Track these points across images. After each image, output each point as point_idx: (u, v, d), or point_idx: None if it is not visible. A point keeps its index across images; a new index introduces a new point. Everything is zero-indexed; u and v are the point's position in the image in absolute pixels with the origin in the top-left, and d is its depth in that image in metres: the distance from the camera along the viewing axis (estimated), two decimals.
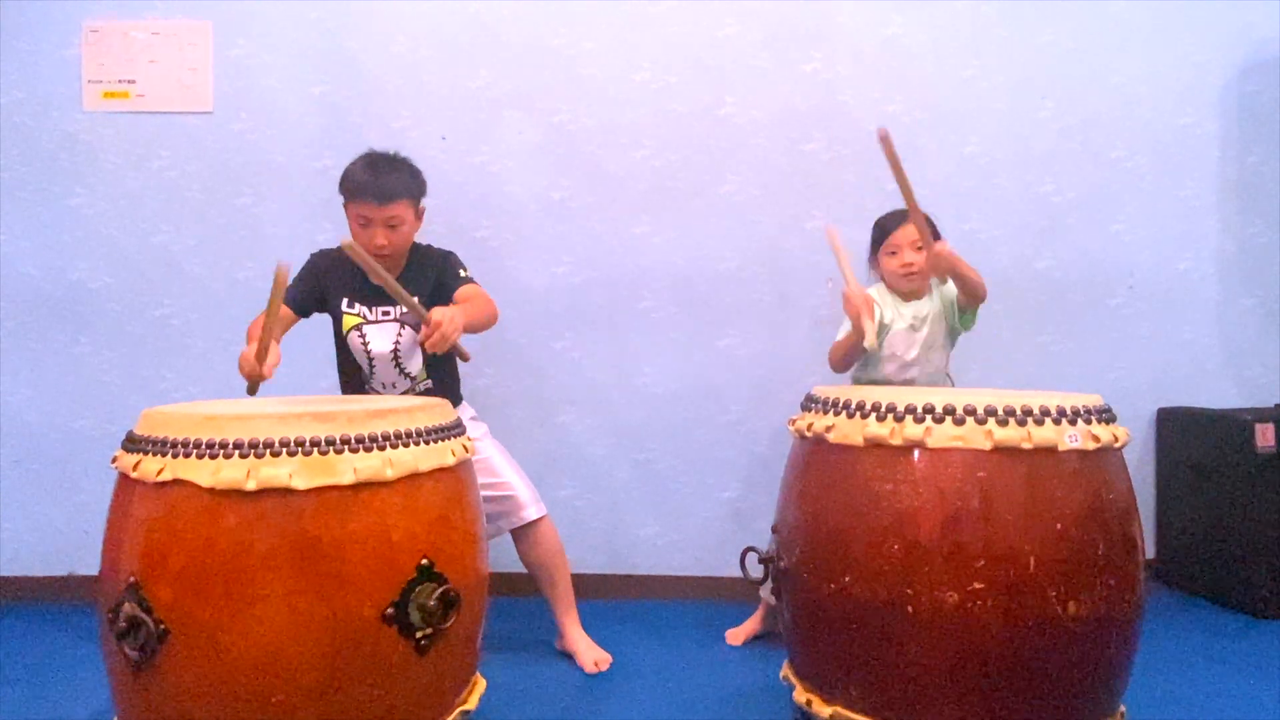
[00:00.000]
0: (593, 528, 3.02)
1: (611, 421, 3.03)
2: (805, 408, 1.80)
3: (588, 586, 2.78)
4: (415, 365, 2.37)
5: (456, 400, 2.50)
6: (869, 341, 2.25)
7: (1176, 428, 3.05)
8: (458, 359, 2.36)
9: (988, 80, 3.00)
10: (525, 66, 2.99)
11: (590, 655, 2.39)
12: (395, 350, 2.34)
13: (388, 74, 3.00)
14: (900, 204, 2.45)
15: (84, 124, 3.01)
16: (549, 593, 2.44)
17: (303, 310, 2.36)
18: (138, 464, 1.50)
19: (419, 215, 2.36)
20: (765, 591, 2.39)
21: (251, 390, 2.04)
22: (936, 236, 2.40)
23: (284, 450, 1.44)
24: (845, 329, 2.45)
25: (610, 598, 2.94)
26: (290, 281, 2.32)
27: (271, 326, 1.95)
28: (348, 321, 2.35)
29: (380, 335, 2.34)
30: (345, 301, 2.35)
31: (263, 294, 2.87)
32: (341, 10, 2.99)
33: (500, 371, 3.00)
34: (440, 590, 1.52)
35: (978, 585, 1.48)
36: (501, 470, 2.38)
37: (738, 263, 3.00)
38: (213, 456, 1.44)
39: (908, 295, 2.53)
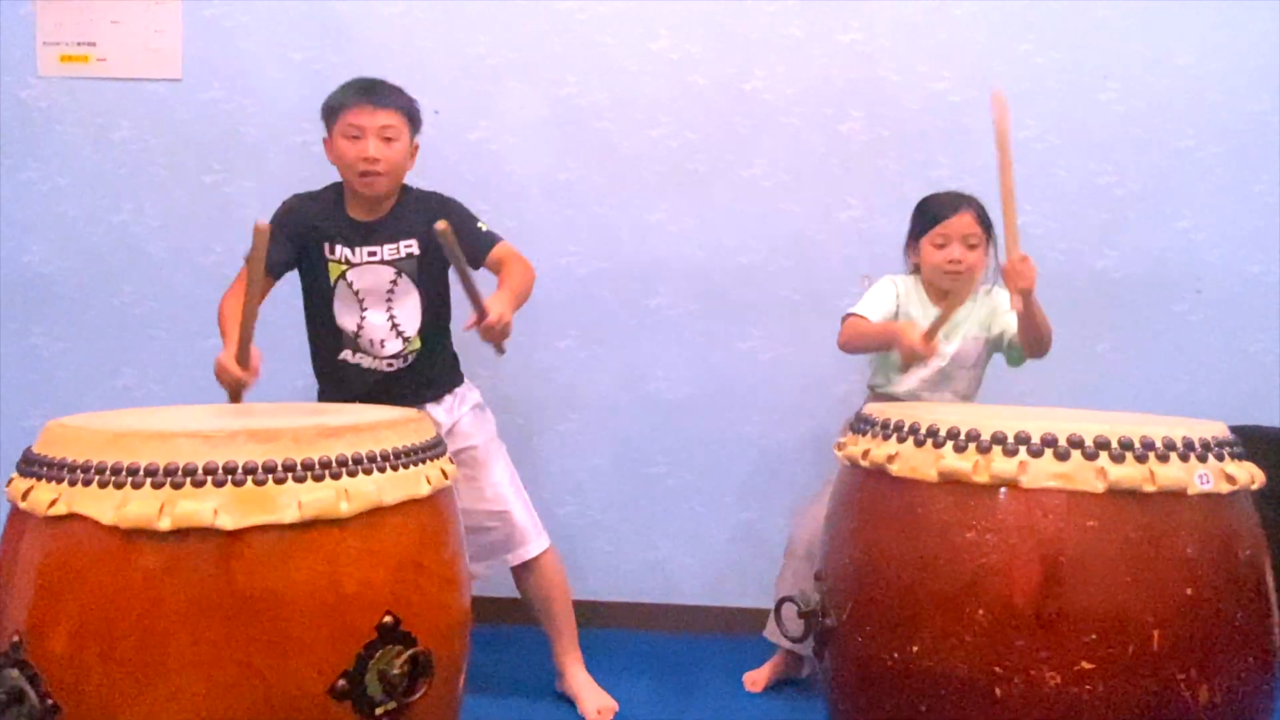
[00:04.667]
0: (595, 549, 2.82)
1: (618, 431, 2.82)
2: (858, 430, 1.50)
3: (588, 615, 2.56)
4: (410, 323, 2.10)
5: (457, 379, 2.25)
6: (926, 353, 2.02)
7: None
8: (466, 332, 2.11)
9: (1044, 57, 2.76)
10: (530, 32, 2.78)
11: (594, 702, 2.14)
12: (389, 298, 2.08)
13: (377, 39, 2.79)
14: (953, 187, 2.30)
15: (38, 91, 2.83)
16: (549, 630, 2.21)
17: (278, 270, 2.08)
18: (28, 492, 1.21)
19: (412, 151, 2.13)
20: (778, 637, 2.14)
21: (235, 398, 1.78)
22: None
23: (209, 479, 1.16)
24: (877, 308, 2.22)
25: (613, 627, 2.73)
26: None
27: (252, 309, 1.69)
28: (334, 271, 2.08)
29: (368, 280, 2.08)
30: (326, 248, 2.09)
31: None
32: None
33: (496, 373, 2.74)
34: (407, 655, 1.25)
35: (1086, 665, 1.20)
36: (504, 492, 2.14)
37: (763, 255, 2.78)
38: (118, 485, 1.16)
39: (943, 296, 2.25)
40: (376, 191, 2.04)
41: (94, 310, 2.83)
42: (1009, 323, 2.20)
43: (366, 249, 2.08)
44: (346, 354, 2.12)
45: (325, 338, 2.14)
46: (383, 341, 2.10)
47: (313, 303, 2.14)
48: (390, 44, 2.78)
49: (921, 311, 2.23)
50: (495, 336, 1.89)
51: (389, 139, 2.03)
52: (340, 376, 2.12)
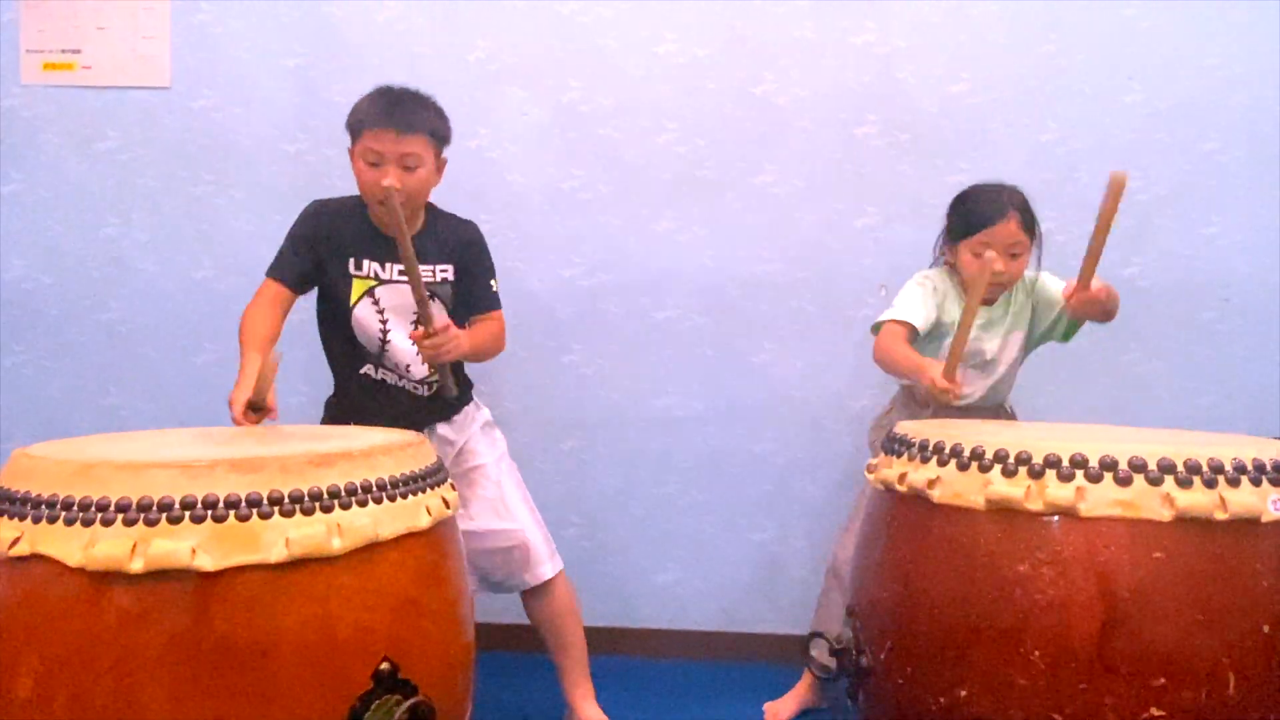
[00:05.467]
0: (603, 573, 2.74)
1: (626, 449, 2.75)
2: (892, 451, 1.39)
3: (597, 642, 2.45)
4: None
5: (466, 398, 2.15)
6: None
7: None
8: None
9: (1067, 58, 2.69)
10: (531, 36, 2.72)
11: None
12: (416, 322, 1.97)
13: (372, 44, 2.72)
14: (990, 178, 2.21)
15: (21, 99, 2.77)
16: (558, 659, 2.12)
17: (302, 285, 1.97)
18: None
19: (440, 166, 2.01)
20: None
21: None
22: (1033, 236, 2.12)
23: (186, 514, 1.06)
24: (919, 312, 2.07)
25: (622, 655, 2.66)
26: (282, 245, 1.98)
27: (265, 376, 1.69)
28: (358, 288, 1.96)
29: (397, 299, 1.97)
30: (352, 263, 1.97)
31: (225, 296, 2.64)
32: None
33: (498, 389, 2.69)
34: (406, 705, 1.15)
35: (1155, 712, 1.10)
36: (516, 513, 2.05)
37: (776, 266, 2.71)
38: (86, 523, 1.06)
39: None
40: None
41: (80, 327, 2.77)
42: (1051, 295, 2.12)
43: (397, 266, 1.96)
44: (369, 369, 2.02)
45: (344, 353, 2.03)
46: (408, 366, 1.99)
47: (330, 318, 2.03)
48: (386, 49, 2.71)
49: (957, 308, 2.12)
50: (440, 352, 1.82)
51: (410, 168, 1.89)
52: (365, 393, 2.02)
